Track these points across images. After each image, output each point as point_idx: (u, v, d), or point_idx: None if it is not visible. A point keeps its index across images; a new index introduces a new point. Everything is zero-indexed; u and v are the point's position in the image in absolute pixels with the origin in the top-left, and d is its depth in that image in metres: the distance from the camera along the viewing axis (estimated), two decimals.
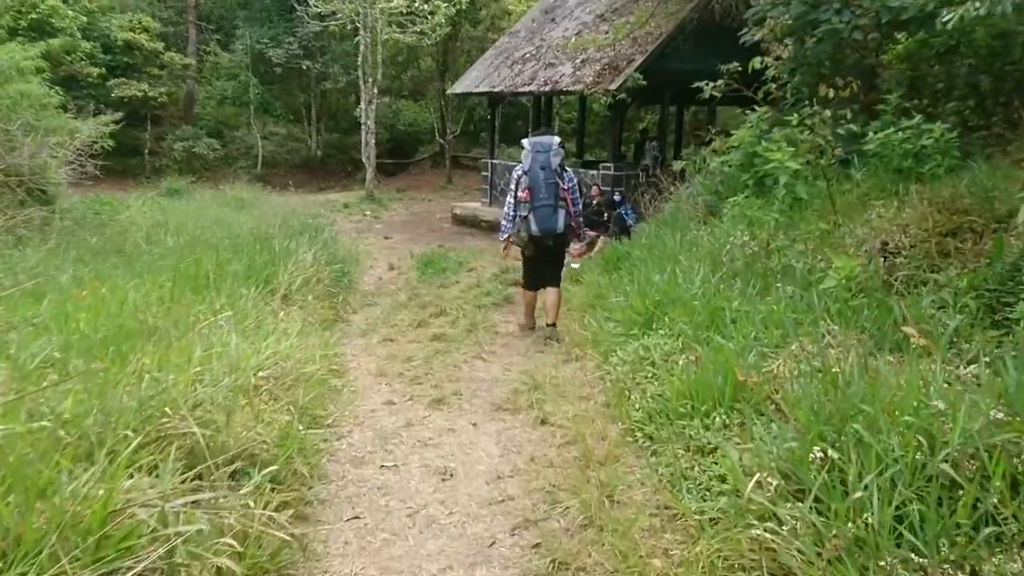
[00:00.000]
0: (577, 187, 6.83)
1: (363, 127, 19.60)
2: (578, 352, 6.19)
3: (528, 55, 16.22)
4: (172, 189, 17.97)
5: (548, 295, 6.88)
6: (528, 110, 20.97)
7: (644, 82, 12.61)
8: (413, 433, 4.75)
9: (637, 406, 4.43)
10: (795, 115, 7.91)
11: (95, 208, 12.82)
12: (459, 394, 5.44)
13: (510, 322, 7.83)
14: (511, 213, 6.66)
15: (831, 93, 6.89)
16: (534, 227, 6.43)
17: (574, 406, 4.94)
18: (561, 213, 6.45)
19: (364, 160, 19.88)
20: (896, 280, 5.10)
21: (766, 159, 7.92)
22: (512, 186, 6.63)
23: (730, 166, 8.33)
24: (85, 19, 20.39)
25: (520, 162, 6.77)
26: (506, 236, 6.82)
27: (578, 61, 14.64)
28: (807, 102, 7.49)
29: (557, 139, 6.70)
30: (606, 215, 13.63)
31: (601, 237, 10.75)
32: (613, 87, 13.03)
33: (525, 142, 6.69)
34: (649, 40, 13.42)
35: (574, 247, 8.52)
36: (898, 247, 5.84)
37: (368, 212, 18.63)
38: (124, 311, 5.32)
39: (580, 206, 6.93)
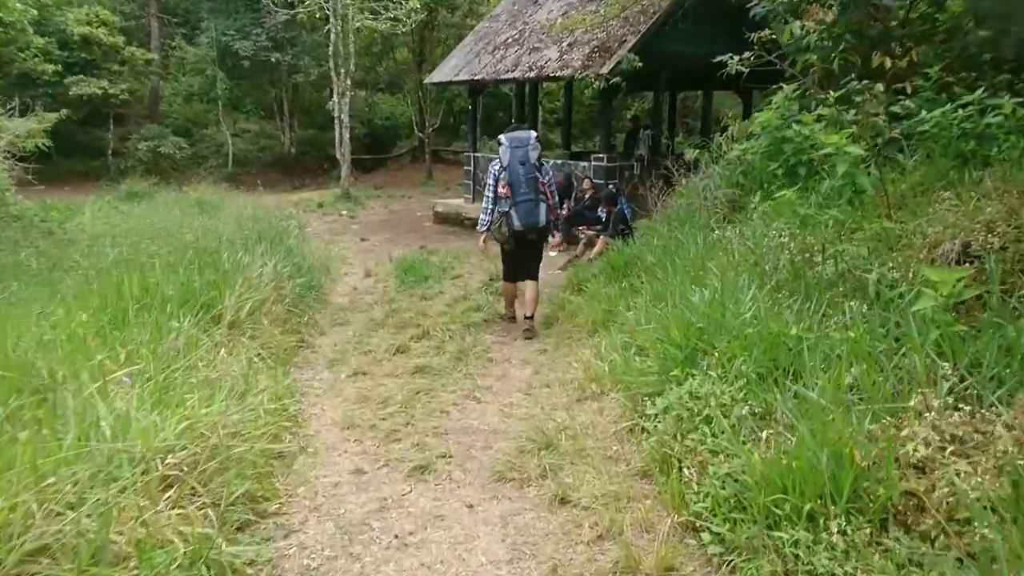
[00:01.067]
0: (554, 180, 6.88)
1: (337, 121, 18.19)
2: (594, 389, 4.92)
3: (510, 40, 14.89)
4: (132, 192, 16.53)
5: (527, 288, 6.80)
6: (511, 99, 19.67)
7: (641, 63, 11.34)
8: (388, 523, 3.46)
9: (697, 488, 3.16)
10: (829, 93, 6.69)
11: (42, 215, 11.45)
12: (448, 456, 4.14)
13: (504, 342, 6.56)
14: (490, 208, 6.59)
15: (887, 63, 5.64)
16: (516, 222, 6.37)
17: (601, 475, 3.67)
18: (542, 207, 6.41)
19: (339, 156, 18.49)
20: (1013, 298, 3.87)
21: (799, 144, 6.70)
22: (490, 181, 6.57)
23: (754, 153, 7.08)
24: (37, 12, 18.77)
25: (496, 156, 6.69)
26: (484, 230, 6.81)
27: (565, 44, 13.33)
28: (851, 76, 6.24)
29: (534, 133, 6.65)
30: (605, 211, 12.38)
31: (601, 237, 9.47)
32: (605, 71, 11.75)
33: (502, 138, 6.60)
34: (643, 19, 12.12)
35: (552, 239, 8.08)
36: (985, 249, 4.63)
37: (344, 212, 17.25)
38: (10, 358, 4.01)
39: (558, 199, 6.98)
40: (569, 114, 16.96)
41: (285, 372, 5.56)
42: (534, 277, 6.84)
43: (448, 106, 26.02)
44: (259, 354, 5.50)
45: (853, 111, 6.27)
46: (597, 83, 11.59)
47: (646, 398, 4.16)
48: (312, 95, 25.48)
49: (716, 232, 6.66)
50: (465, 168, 15.58)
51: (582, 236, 10.12)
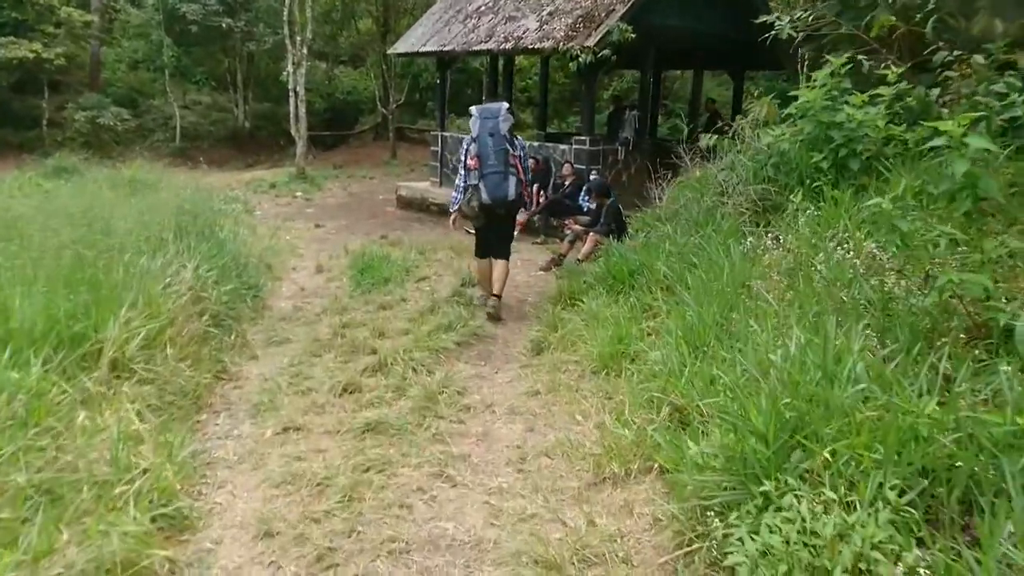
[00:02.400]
0: (528, 154, 6.56)
1: (292, 95, 16.40)
2: (615, 471, 3.45)
3: (484, 7, 13.25)
4: (60, 167, 14.58)
5: (496, 267, 6.46)
6: (482, 75, 18.04)
7: (633, 35, 9.84)
8: None
9: None
10: (891, 68, 5.27)
11: None
12: None
13: (483, 375, 5.08)
14: (461, 184, 6.27)
15: (997, 26, 4.21)
16: (484, 195, 6.03)
17: None
18: (512, 180, 6.05)
19: (294, 133, 16.71)
20: None
21: (851, 132, 5.28)
22: (462, 156, 6.26)
23: (792, 142, 5.65)
24: None
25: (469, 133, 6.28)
26: (456, 207, 6.45)
27: (545, 13, 11.76)
28: (938, 45, 4.81)
29: (505, 104, 6.25)
30: (588, 201, 10.90)
31: (591, 234, 7.99)
32: (591, 43, 10.23)
33: (473, 109, 6.26)
34: None
35: (521, 216, 7.48)
36: None
37: (299, 193, 15.51)
38: None
39: (531, 175, 6.72)
40: (545, 92, 15.41)
41: (190, 430, 4.01)
42: (504, 256, 6.51)
43: (414, 81, 24.21)
44: (152, 405, 3.94)
45: (936, 90, 4.88)
46: (584, 56, 10.06)
47: (710, 511, 2.71)
48: (268, 65, 23.45)
49: (749, 240, 5.23)
50: (432, 149, 13.96)
51: (567, 232, 8.62)
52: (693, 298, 4.63)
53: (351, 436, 3.99)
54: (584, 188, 11.10)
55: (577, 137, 11.73)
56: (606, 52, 9.94)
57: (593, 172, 11.16)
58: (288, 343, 5.82)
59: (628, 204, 11.56)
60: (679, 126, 20.13)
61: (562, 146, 11.80)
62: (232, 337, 5.68)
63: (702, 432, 3.28)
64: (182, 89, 23.42)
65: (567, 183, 11.00)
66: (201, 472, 3.60)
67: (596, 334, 5.07)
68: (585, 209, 10.94)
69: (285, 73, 16.29)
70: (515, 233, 6.88)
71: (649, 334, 4.92)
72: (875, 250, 4.39)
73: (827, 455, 2.52)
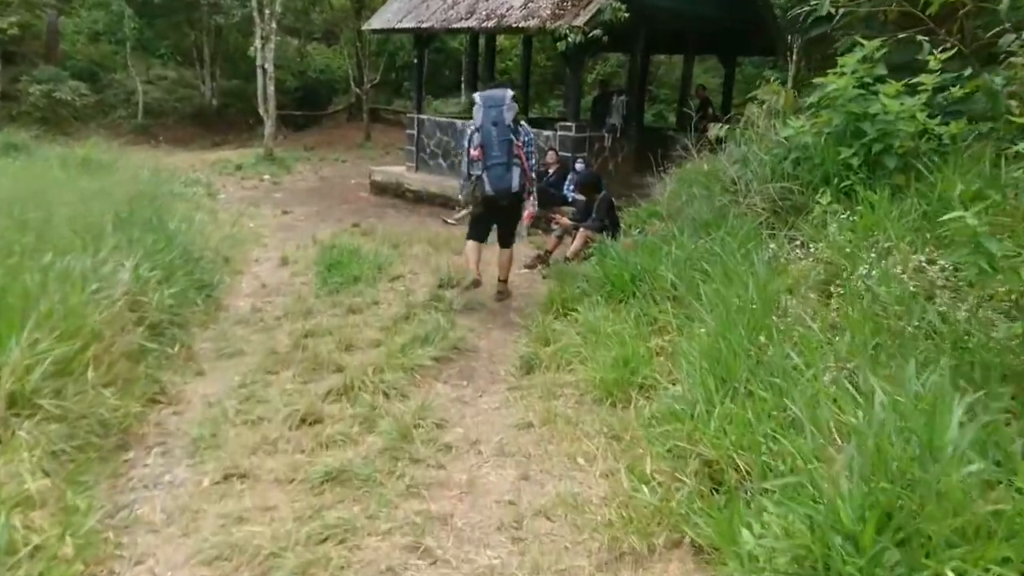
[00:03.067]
0: (534, 143, 6.23)
1: (260, 71, 15.40)
2: (636, 544, 2.74)
3: None
4: (9, 144, 13.49)
5: (501, 255, 6.36)
6: (461, 54, 17.17)
7: (626, 13, 9.09)
8: None
9: None
10: (933, 53, 4.61)
11: None
12: None
13: (465, 400, 4.35)
14: (467, 172, 6.03)
15: None
16: (488, 187, 5.80)
17: None
18: (515, 172, 5.81)
19: (262, 112, 15.72)
20: None
21: (887, 125, 4.61)
22: (466, 144, 6.00)
23: (817, 135, 4.96)
24: None
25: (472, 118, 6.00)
26: (464, 193, 6.20)
27: None
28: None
29: (510, 92, 5.96)
30: (572, 190, 10.17)
31: (581, 230, 7.26)
32: (580, 22, 9.47)
33: (476, 96, 6.04)
34: None
35: (526, 208, 6.54)
36: None
37: (267, 176, 14.58)
38: None
39: (534, 162, 6.25)
40: (527, 75, 14.60)
41: (111, 475, 3.25)
42: (508, 245, 6.33)
43: (390, 60, 23.19)
44: (59, 451, 3.16)
45: (998, 78, 4.21)
46: (573, 36, 9.30)
47: None
48: (237, 40, 22.23)
49: (772, 246, 4.54)
50: (408, 132, 13.12)
51: (554, 227, 7.89)
52: (713, 316, 3.93)
53: (307, 488, 3.25)
54: (573, 180, 10.39)
55: (562, 123, 10.98)
56: (597, 32, 9.20)
57: (579, 160, 10.44)
58: (241, 355, 5.05)
59: (616, 195, 10.86)
60: (664, 113, 19.49)
61: (546, 132, 11.03)
62: (176, 349, 4.90)
63: (748, 502, 2.59)
64: (145, 63, 22.20)
65: (551, 171, 10.27)
66: (116, 542, 2.84)
67: (596, 353, 4.36)
68: (571, 199, 10.23)
69: (253, 48, 15.28)
70: (526, 225, 6.58)
71: (658, 353, 4.23)
72: (924, 264, 3.74)
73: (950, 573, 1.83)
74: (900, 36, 4.83)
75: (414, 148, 12.97)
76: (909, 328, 3.10)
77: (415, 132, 12.90)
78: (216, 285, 6.51)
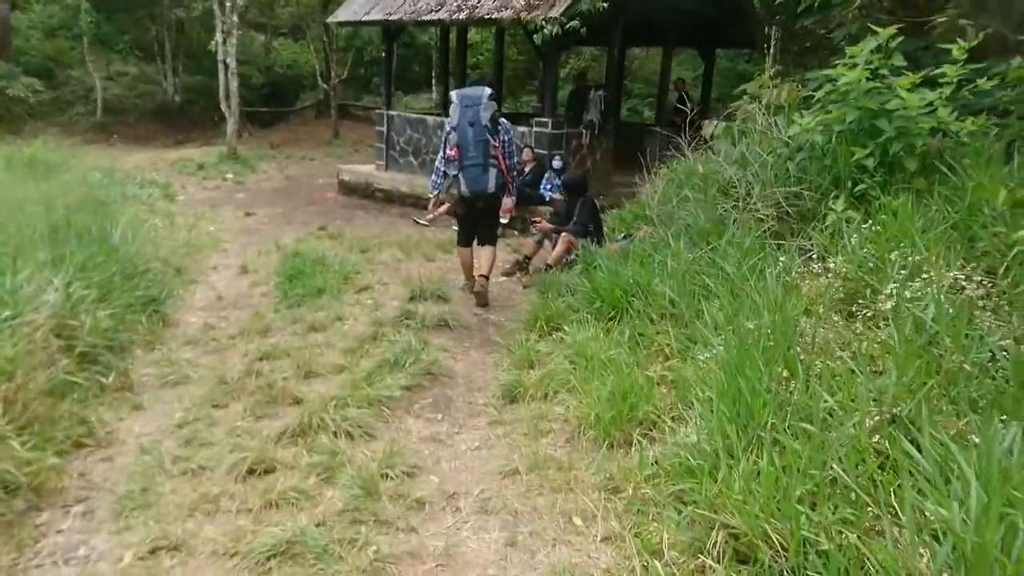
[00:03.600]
0: (515, 141, 6.00)
1: (222, 66, 14.66)
2: None
3: None
4: None
5: (483, 253, 6.07)
6: (431, 49, 16.54)
7: (605, 3, 8.56)
8: None
9: None
10: (959, 41, 4.14)
11: None
12: None
13: (441, 439, 3.78)
14: (442, 168, 5.81)
15: None
16: (464, 188, 5.65)
17: None
18: (492, 172, 5.66)
19: (224, 108, 14.97)
20: None
21: (907, 123, 4.12)
22: (442, 142, 5.82)
23: (828, 133, 4.45)
24: None
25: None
26: (435, 193, 5.99)
27: None
28: None
29: (488, 91, 5.74)
30: (549, 189, 9.64)
31: (563, 235, 6.71)
32: (556, 13, 8.92)
33: (453, 95, 5.84)
34: None
35: (505, 202, 6.77)
36: None
37: (230, 175, 13.86)
38: None
39: (516, 160, 6.07)
40: (500, 69, 14.00)
41: (16, 549, 2.64)
42: (491, 243, 6.09)
43: (358, 55, 22.44)
44: None
45: None
46: (549, 28, 8.75)
47: None
48: (200, 35, 21.31)
49: (781, 260, 4.03)
50: (377, 129, 12.47)
51: (533, 231, 7.33)
52: (723, 342, 3.40)
53: (250, 566, 2.67)
54: (549, 178, 9.86)
55: (538, 119, 10.42)
56: (574, 23, 8.65)
57: (556, 158, 9.90)
58: (187, 383, 4.44)
59: (595, 194, 10.37)
60: (638, 108, 18.99)
61: (520, 128, 10.46)
62: (111, 379, 4.28)
63: None
64: (105, 59, 21.22)
65: (527, 170, 9.71)
66: None
67: (589, 383, 3.82)
68: (547, 199, 9.69)
69: (214, 43, 14.51)
70: (503, 221, 6.37)
71: (659, 384, 3.70)
72: (961, 281, 3.25)
73: None
74: (898, 25, 4.33)
75: (383, 146, 12.34)
76: (966, 365, 2.60)
77: (384, 129, 12.26)
78: (164, 300, 5.87)
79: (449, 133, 5.65)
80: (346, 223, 10.38)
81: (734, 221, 4.65)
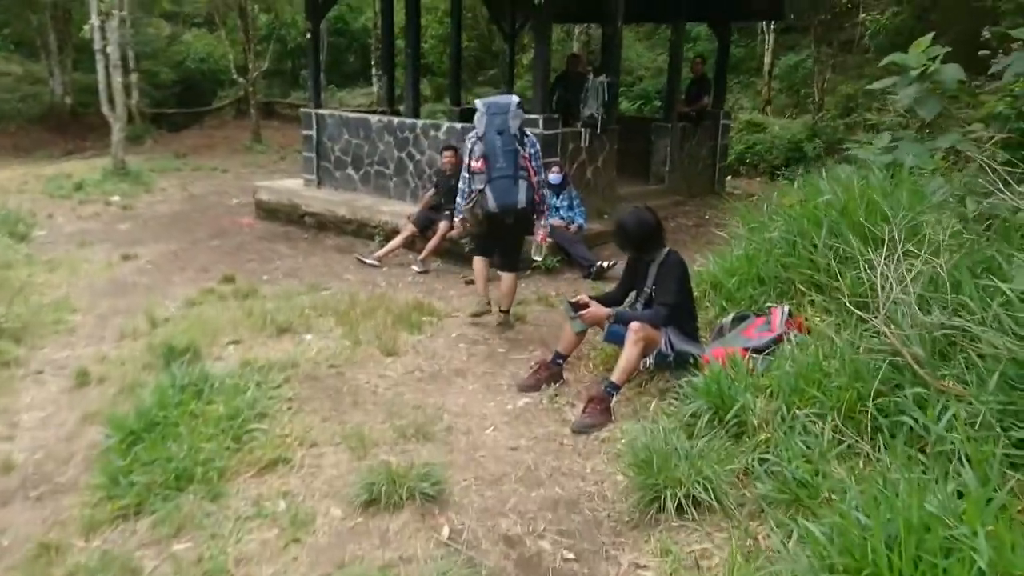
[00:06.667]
0: (540, 154, 5.04)
1: (100, 57, 11.03)
2: None
3: None
4: None
5: (503, 282, 5.13)
6: (368, 38, 13.21)
7: None
8: None
9: None
10: None
11: None
12: None
13: None
14: (466, 189, 4.96)
15: None
16: (491, 203, 4.77)
17: None
18: (523, 185, 4.81)
19: (107, 111, 11.33)
20: None
21: None
22: (466, 157, 4.95)
23: None
24: None
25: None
26: (461, 215, 5.19)
27: None
28: None
29: (515, 99, 4.94)
30: (574, 210, 6.65)
31: (634, 331, 3.58)
32: None
33: (478, 103, 4.94)
34: None
35: (539, 229, 5.11)
36: None
37: (115, 198, 10.30)
38: None
39: (543, 176, 5.10)
40: (458, 52, 10.79)
41: None
42: (511, 269, 5.13)
43: (281, 43, 18.83)
44: None
45: None
46: None
47: None
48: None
49: None
50: (304, 132, 9.15)
51: (572, 315, 4.13)
52: None
53: None
54: (555, 201, 6.91)
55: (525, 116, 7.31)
56: None
57: (553, 168, 6.84)
58: None
59: (593, 210, 7.44)
60: (625, 95, 15.79)
61: None
62: None
63: None
64: None
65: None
66: None
67: None
68: (555, 214, 6.70)
69: (87, 27, 10.84)
70: (542, 246, 5.23)
71: None
72: None
73: None
74: None
75: (313, 155, 9.03)
76: None
77: (313, 133, 8.95)
78: None
79: (474, 144, 4.85)
80: (262, 265, 7.14)
81: None
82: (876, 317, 2.83)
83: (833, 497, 2.33)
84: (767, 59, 14.77)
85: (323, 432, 3.27)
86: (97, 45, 10.87)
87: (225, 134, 17.18)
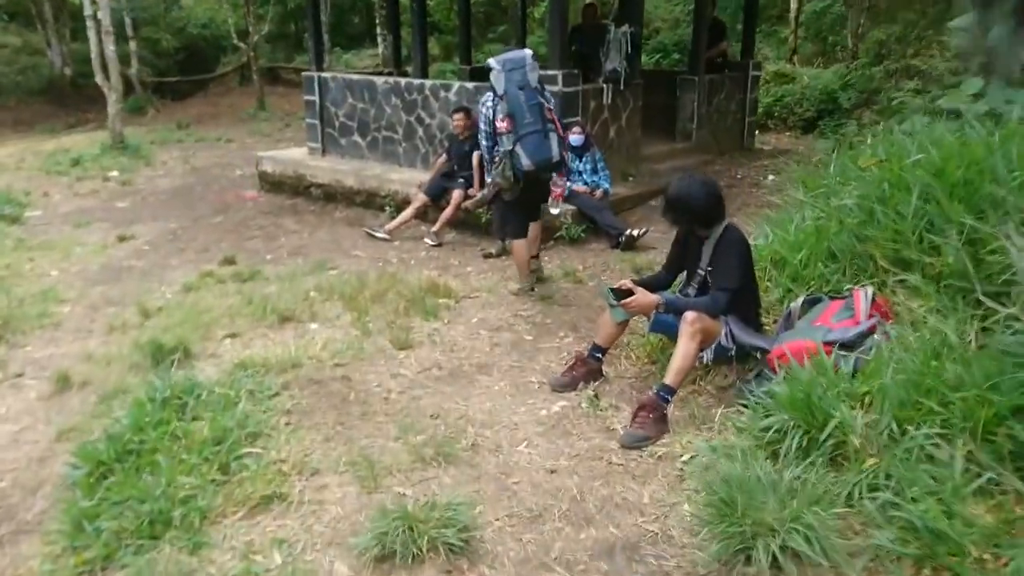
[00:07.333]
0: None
1: (91, 23, 10.38)
2: None
3: None
4: None
5: (529, 229, 4.88)
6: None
7: None
8: None
9: None
10: None
11: None
12: None
13: None
14: (493, 152, 4.63)
15: None
16: (525, 160, 4.40)
17: None
18: (553, 138, 4.49)
19: (100, 81, 10.72)
20: None
21: None
22: (482, 124, 4.73)
23: None
24: None
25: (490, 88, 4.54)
26: (494, 191, 4.76)
27: None
28: None
29: (528, 51, 4.62)
30: (589, 165, 6.06)
31: (690, 322, 3.00)
32: None
33: (492, 61, 4.55)
34: None
35: (555, 187, 4.77)
36: None
37: (113, 173, 9.73)
38: None
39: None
40: (467, 8, 10.01)
41: None
42: (536, 219, 4.99)
43: (282, 6, 18.01)
44: None
45: None
46: None
47: None
48: None
49: None
50: (306, 98, 8.48)
51: (613, 303, 3.49)
52: None
53: None
54: (577, 165, 6.29)
55: (542, 72, 6.61)
56: None
57: (574, 129, 6.19)
58: None
59: (617, 172, 6.82)
60: (668, 50, 14.80)
61: None
62: None
63: None
64: None
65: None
66: None
67: None
68: (579, 179, 6.10)
69: None
70: (554, 211, 5.00)
71: None
72: None
73: None
74: None
75: (317, 122, 8.39)
76: None
77: (316, 98, 8.29)
78: None
79: (497, 104, 4.49)
80: (266, 243, 6.59)
81: None
82: (1009, 305, 2.23)
83: (985, 557, 1.76)
84: (793, 4, 13.81)
85: (326, 456, 2.72)
86: (87, 11, 10.21)
87: (230, 102, 16.50)
